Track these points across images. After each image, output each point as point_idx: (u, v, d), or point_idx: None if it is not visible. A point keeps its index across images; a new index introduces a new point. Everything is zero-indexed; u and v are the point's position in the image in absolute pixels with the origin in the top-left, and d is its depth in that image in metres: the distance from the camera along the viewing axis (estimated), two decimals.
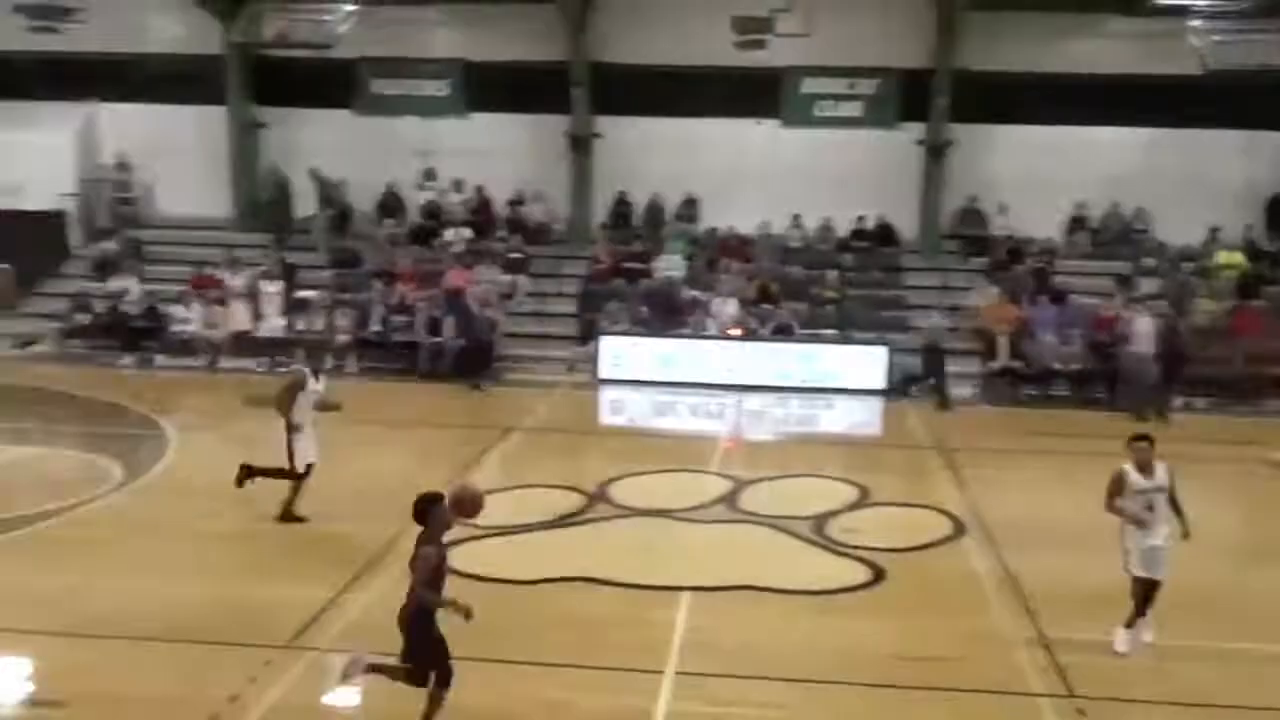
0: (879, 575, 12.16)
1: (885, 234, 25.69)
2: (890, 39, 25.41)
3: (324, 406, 13.31)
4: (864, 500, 14.89)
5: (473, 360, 21.72)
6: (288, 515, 13.12)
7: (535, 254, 25.63)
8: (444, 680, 8.29)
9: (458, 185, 26.81)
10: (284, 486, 13.14)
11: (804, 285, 24.17)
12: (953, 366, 22.14)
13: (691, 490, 15.02)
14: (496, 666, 9.57)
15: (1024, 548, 12.98)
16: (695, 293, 23.71)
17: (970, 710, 9.38)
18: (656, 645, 10.15)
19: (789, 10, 22.01)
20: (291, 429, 12.95)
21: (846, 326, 23.33)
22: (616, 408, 21.45)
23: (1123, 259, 24.74)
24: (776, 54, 23.33)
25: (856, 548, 12.92)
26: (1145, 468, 10.22)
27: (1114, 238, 25.46)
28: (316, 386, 13.16)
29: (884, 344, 22.09)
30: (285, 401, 12.98)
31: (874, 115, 25.85)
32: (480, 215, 26.61)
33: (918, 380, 21.27)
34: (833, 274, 24.25)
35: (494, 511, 13.54)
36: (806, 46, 23.31)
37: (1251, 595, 11.85)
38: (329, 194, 26.42)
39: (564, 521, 13.68)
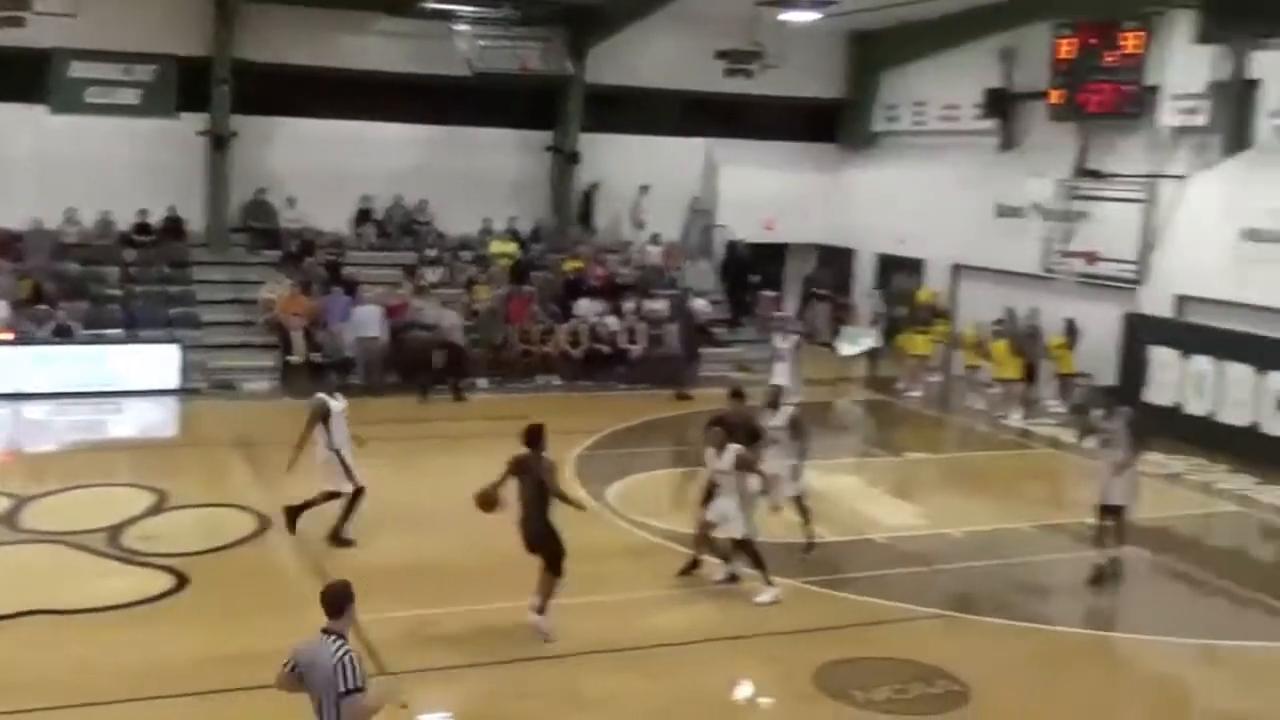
0: (182, 581, 11.81)
1: (172, 228, 24.71)
2: (167, 25, 24.32)
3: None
4: (163, 505, 14.36)
5: None
6: (338, 538, 13.03)
7: None
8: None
9: None
10: None
11: (83, 283, 22.61)
12: (251, 360, 21.94)
13: None
14: None
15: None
16: None
17: (292, 704, 9.39)
18: None
19: None
20: (335, 450, 13.08)
21: (133, 325, 22.20)
22: None
23: (407, 249, 25.87)
24: (41, 34, 21.51)
25: (157, 555, 12.45)
26: (718, 448, 11.87)
27: (398, 229, 26.49)
28: (340, 407, 13.36)
29: (175, 341, 21.31)
30: (309, 427, 13.11)
31: (152, 104, 24.60)
32: None
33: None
34: (113, 270, 22.92)
35: None
36: (74, 27, 21.71)
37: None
38: None
39: None
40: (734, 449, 11.88)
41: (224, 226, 25.04)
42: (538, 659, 10.33)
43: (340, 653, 6.36)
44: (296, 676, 6.60)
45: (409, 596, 11.45)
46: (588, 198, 27.88)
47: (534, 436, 10.83)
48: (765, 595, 11.88)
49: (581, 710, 9.72)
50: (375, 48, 26.02)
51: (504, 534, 10.93)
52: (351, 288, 22.98)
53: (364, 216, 26.29)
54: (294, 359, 21.47)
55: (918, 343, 23.58)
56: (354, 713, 6.29)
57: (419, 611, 11.16)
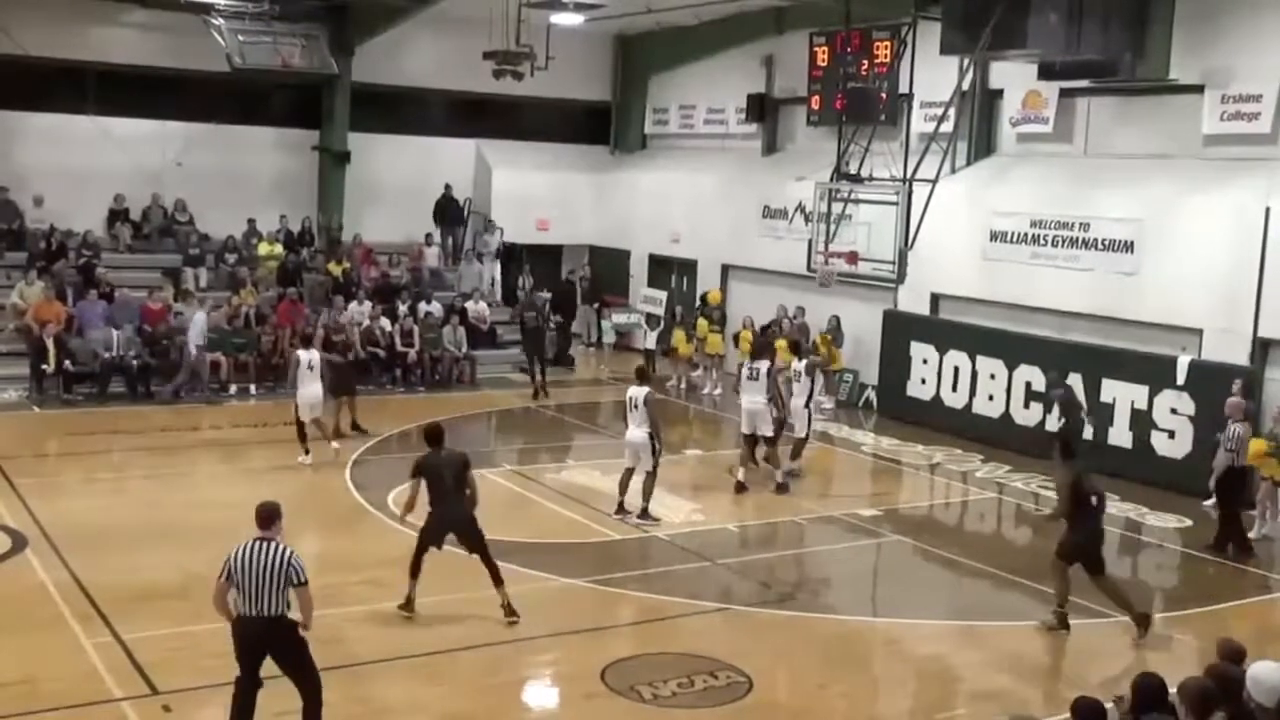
0: None
1: None
2: None
3: None
4: None
5: None
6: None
7: None
8: None
9: None
10: None
11: None
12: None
13: None
14: None
15: (90, 552, 12.71)
16: None
17: None
18: None
19: None
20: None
21: None
22: None
23: (168, 251, 24.82)
24: None
25: None
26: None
27: (157, 231, 25.37)
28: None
29: None
30: None
31: None
32: None
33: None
34: None
35: None
36: None
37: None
38: None
39: None
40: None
41: None
42: (323, 670, 10.09)
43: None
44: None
45: (175, 613, 11.07)
46: (459, 204, 27.53)
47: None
48: None
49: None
50: (128, 40, 25.01)
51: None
52: (108, 292, 21.89)
53: (118, 216, 25.09)
54: (46, 368, 20.35)
55: (713, 342, 24.05)
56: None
57: (188, 628, 10.76)
